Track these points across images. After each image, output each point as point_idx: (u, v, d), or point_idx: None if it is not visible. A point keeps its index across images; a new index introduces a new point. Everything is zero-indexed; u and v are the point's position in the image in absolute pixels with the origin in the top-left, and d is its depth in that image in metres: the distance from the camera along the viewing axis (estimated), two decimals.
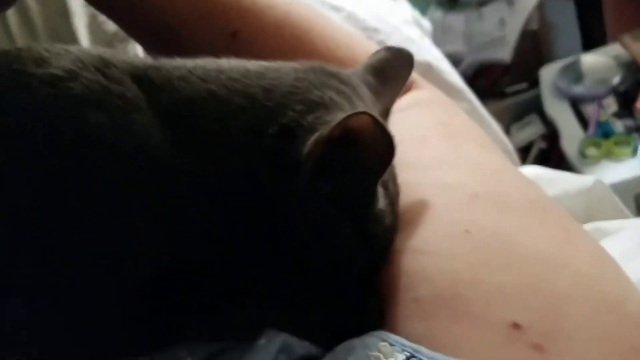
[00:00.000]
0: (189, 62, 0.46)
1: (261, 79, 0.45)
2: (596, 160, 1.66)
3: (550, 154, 1.90)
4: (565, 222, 0.51)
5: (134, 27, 0.70)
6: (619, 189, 1.33)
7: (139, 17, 0.66)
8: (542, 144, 1.94)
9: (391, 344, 0.39)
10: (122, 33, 0.81)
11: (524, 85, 2.08)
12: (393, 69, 0.53)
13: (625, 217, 0.86)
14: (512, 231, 0.47)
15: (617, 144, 1.67)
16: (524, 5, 2.08)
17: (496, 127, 1.00)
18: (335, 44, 0.66)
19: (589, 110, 1.79)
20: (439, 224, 0.48)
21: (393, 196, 0.48)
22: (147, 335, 0.42)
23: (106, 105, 0.41)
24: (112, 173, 0.40)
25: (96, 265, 0.41)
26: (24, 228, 0.40)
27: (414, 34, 1.04)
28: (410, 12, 1.13)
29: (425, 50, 1.01)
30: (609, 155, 1.66)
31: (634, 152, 1.63)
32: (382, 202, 0.45)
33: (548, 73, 1.96)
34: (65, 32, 0.86)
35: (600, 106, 1.78)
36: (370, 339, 0.40)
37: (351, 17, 1.05)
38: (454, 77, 1.01)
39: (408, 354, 0.38)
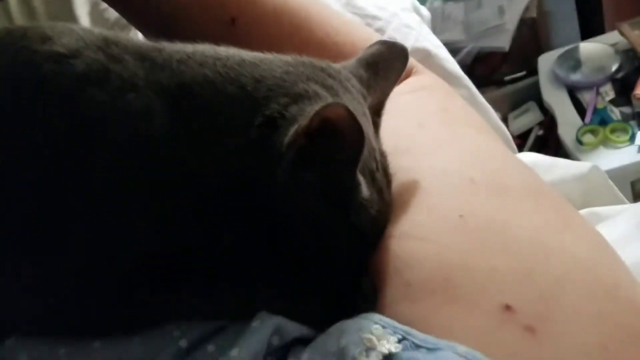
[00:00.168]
0: (188, 47, 0.47)
1: (254, 69, 0.45)
2: (593, 147, 1.66)
3: (547, 141, 1.90)
4: (561, 208, 0.51)
5: (133, 15, 0.70)
6: (616, 175, 1.34)
7: (139, 4, 0.66)
8: (539, 131, 1.94)
9: (383, 327, 0.39)
10: (123, 20, 0.81)
11: (522, 73, 2.08)
12: (386, 62, 0.53)
13: (621, 203, 0.86)
14: (507, 216, 0.47)
15: (614, 131, 1.67)
16: None
17: (494, 114, 1.00)
18: (334, 31, 0.66)
19: (587, 97, 1.79)
20: (432, 209, 0.48)
21: (382, 186, 0.48)
22: (140, 312, 0.43)
23: (106, 82, 0.41)
24: (108, 147, 0.41)
25: (91, 238, 0.42)
26: (23, 197, 0.41)
27: (413, 21, 1.04)
28: (409, 0, 1.13)
29: (424, 37, 1.01)
30: (605, 143, 1.66)
31: (631, 139, 1.64)
32: (366, 191, 0.45)
33: (546, 61, 1.96)
34: (66, 19, 0.86)
35: (598, 94, 1.78)
36: (363, 321, 0.40)
37: (350, 4, 1.04)
38: (453, 64, 1.01)
39: (400, 337, 0.39)
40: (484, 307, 0.41)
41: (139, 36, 0.83)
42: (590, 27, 2.08)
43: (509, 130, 1.31)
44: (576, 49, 1.91)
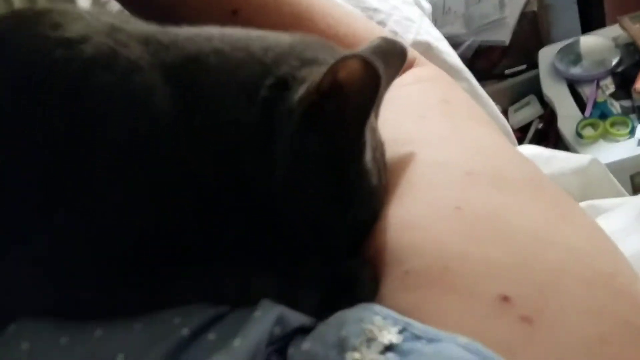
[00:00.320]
0: (194, 28, 0.48)
1: (262, 41, 0.47)
2: (593, 140, 1.66)
3: (547, 134, 1.89)
4: (561, 200, 0.52)
5: (135, 5, 0.70)
6: (615, 168, 1.33)
7: None
8: (539, 125, 1.94)
9: (384, 318, 0.39)
10: (125, 13, 0.81)
11: (522, 66, 2.07)
12: (386, 58, 0.53)
13: (621, 195, 0.86)
14: (505, 208, 0.47)
15: (614, 124, 1.67)
16: None
17: (494, 107, 1.00)
18: (335, 22, 0.66)
19: (587, 91, 1.79)
20: (430, 199, 0.48)
21: (380, 164, 0.49)
22: (140, 294, 0.43)
23: (113, 66, 0.43)
24: (114, 125, 0.42)
25: (93, 215, 0.42)
26: (32, 175, 0.42)
27: (414, 14, 1.04)
28: None
29: (425, 30, 1.01)
30: (605, 136, 1.66)
31: (631, 133, 1.63)
32: (369, 157, 0.46)
33: (546, 54, 1.95)
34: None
35: (598, 87, 1.78)
36: (364, 312, 0.40)
37: None
38: (453, 57, 1.01)
39: (401, 327, 0.39)
40: (481, 298, 0.41)
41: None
42: (590, 21, 2.08)
43: (509, 123, 1.31)
44: (577, 42, 1.90)
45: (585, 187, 0.86)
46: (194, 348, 0.41)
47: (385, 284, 0.44)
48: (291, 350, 0.40)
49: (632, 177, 1.57)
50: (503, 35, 2.03)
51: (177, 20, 0.51)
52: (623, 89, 1.75)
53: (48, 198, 0.42)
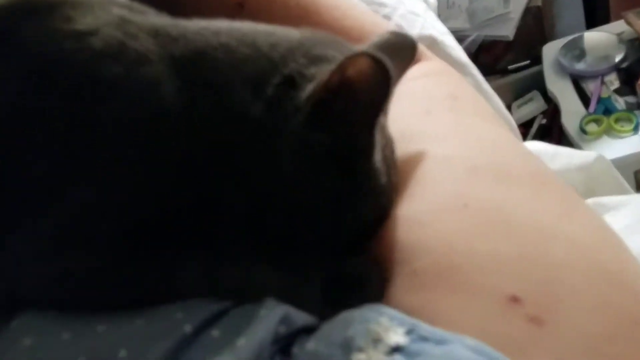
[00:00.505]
0: (202, 22, 0.48)
1: (269, 37, 0.46)
2: (597, 136, 1.66)
3: (551, 130, 1.89)
4: (567, 196, 0.51)
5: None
6: (619, 165, 1.33)
7: None
8: (542, 120, 1.94)
9: (390, 318, 0.39)
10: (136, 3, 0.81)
11: (526, 62, 2.07)
12: (396, 51, 0.53)
13: (626, 192, 0.86)
14: (511, 204, 0.47)
15: (618, 120, 1.67)
16: None
17: (499, 102, 1.00)
18: (342, 15, 0.66)
19: (591, 87, 1.79)
20: (436, 196, 0.48)
21: (390, 162, 0.49)
22: (141, 285, 0.43)
23: (121, 58, 0.43)
24: (120, 113, 0.43)
25: (95, 200, 0.43)
26: (38, 160, 0.43)
27: (419, 9, 1.03)
28: None
29: (430, 24, 1.01)
30: (609, 132, 1.66)
31: (635, 129, 1.63)
32: (378, 156, 0.46)
33: (550, 50, 1.95)
34: None
35: (603, 83, 1.77)
36: (370, 312, 0.40)
37: None
38: (458, 51, 1.00)
39: (407, 329, 0.38)
40: (489, 297, 0.41)
41: None
42: (595, 16, 2.07)
43: (512, 119, 1.30)
44: (581, 38, 1.90)
45: (590, 183, 0.86)
46: (197, 345, 0.41)
47: (394, 283, 0.44)
48: (295, 350, 0.40)
49: (635, 174, 1.57)
50: (507, 30, 2.02)
51: (182, 10, 0.51)
52: (627, 84, 1.75)
53: (60, 173, 0.43)
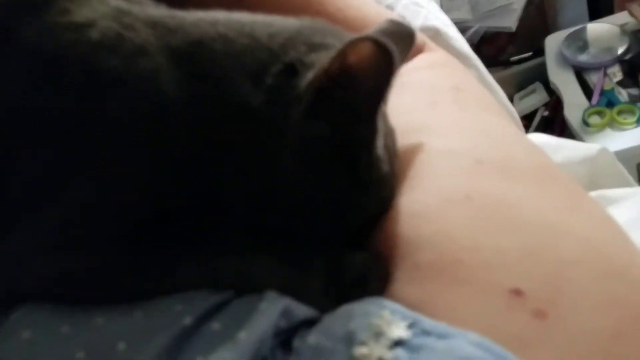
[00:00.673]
0: (201, 13, 0.48)
1: (268, 27, 0.46)
2: (599, 128, 1.65)
3: (553, 122, 1.89)
4: (571, 189, 0.51)
5: None
6: (622, 157, 1.32)
7: None
8: (545, 112, 1.93)
9: (392, 312, 0.39)
10: None
11: (528, 53, 2.06)
12: (394, 40, 0.52)
13: (630, 185, 0.86)
14: (515, 197, 0.46)
15: (621, 112, 1.66)
16: None
17: (502, 94, 0.99)
18: (345, 5, 0.66)
19: (594, 79, 1.78)
20: (440, 189, 0.48)
21: (391, 151, 0.48)
22: (141, 277, 0.43)
23: (119, 50, 0.43)
24: (119, 109, 0.42)
25: (96, 193, 0.43)
26: (38, 159, 0.43)
27: None
28: None
29: (434, 15, 1.00)
30: (612, 124, 1.65)
31: (638, 121, 1.63)
32: (380, 145, 0.45)
33: (553, 41, 1.94)
34: None
35: (605, 75, 1.77)
36: (372, 306, 0.40)
37: None
38: (461, 43, 1.00)
39: (410, 322, 0.38)
40: (493, 291, 0.40)
41: None
42: (598, 8, 2.07)
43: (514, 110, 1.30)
44: (584, 29, 1.89)
45: (593, 176, 0.86)
46: (197, 337, 0.40)
47: (396, 276, 0.44)
48: (296, 343, 0.39)
49: (638, 166, 1.57)
50: (509, 22, 2.02)
51: (181, 1, 0.51)
52: (630, 76, 1.75)
53: (60, 172, 0.43)
